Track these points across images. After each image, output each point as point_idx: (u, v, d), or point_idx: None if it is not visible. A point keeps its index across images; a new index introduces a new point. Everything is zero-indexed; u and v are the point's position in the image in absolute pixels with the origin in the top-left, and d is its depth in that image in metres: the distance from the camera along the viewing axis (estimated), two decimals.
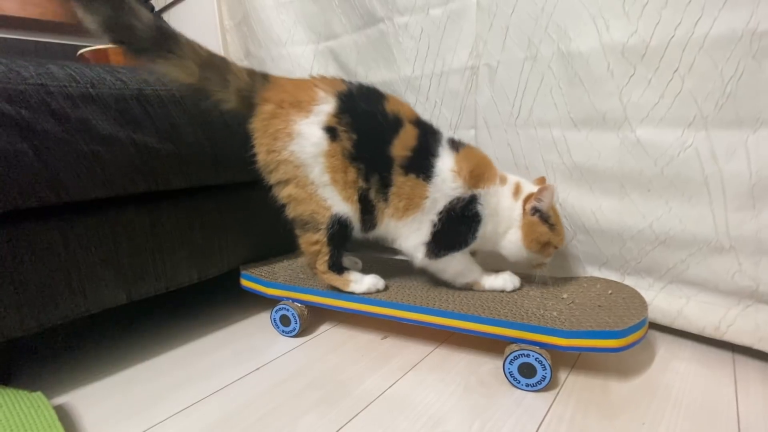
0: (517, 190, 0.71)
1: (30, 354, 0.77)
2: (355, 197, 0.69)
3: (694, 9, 0.59)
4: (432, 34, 0.90)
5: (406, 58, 0.96)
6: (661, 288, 0.72)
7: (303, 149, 0.66)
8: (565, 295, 0.70)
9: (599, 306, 0.65)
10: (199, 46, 0.63)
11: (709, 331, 0.67)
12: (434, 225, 0.69)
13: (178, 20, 1.69)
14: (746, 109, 0.58)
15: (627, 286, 0.71)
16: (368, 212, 0.71)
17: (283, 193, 0.69)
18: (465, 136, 0.91)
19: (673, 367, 0.64)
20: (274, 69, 1.29)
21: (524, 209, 0.70)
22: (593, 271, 0.80)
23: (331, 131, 0.66)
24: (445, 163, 0.68)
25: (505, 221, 0.71)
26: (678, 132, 0.64)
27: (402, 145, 0.67)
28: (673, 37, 0.61)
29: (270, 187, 0.71)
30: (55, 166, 0.56)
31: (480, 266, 0.75)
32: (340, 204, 0.69)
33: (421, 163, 0.68)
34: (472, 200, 0.68)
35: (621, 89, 0.67)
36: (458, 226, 0.69)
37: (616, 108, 0.68)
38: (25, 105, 0.53)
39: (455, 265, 0.72)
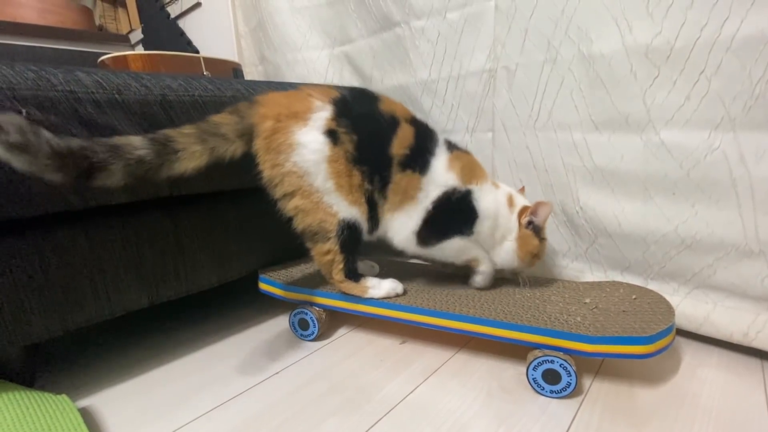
0: (510, 202, 0.74)
1: (54, 357, 0.78)
2: (363, 200, 0.70)
3: (721, 9, 0.58)
4: (449, 37, 0.90)
5: (423, 62, 0.96)
6: (687, 293, 0.70)
7: (305, 158, 0.66)
8: (587, 300, 0.69)
9: (624, 311, 0.63)
10: (183, 127, 0.60)
11: (737, 338, 0.65)
12: (428, 212, 0.71)
13: (193, 27, 1.71)
14: None
15: (651, 290, 0.69)
16: (373, 211, 0.72)
17: (289, 206, 0.69)
18: (482, 139, 0.91)
19: (701, 375, 0.63)
20: (290, 74, 1.30)
21: (519, 222, 0.73)
22: (615, 276, 0.78)
23: (332, 135, 0.67)
24: (440, 161, 0.71)
25: (501, 229, 0.73)
26: (705, 134, 0.63)
27: (400, 143, 0.69)
28: (699, 38, 0.60)
29: (276, 202, 0.70)
30: None
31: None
32: (347, 209, 0.69)
33: (418, 160, 0.70)
34: (468, 195, 0.71)
35: (645, 91, 0.66)
36: (452, 215, 0.72)
37: (640, 110, 0.67)
38: (55, 111, 0.54)
39: (452, 245, 0.74)
